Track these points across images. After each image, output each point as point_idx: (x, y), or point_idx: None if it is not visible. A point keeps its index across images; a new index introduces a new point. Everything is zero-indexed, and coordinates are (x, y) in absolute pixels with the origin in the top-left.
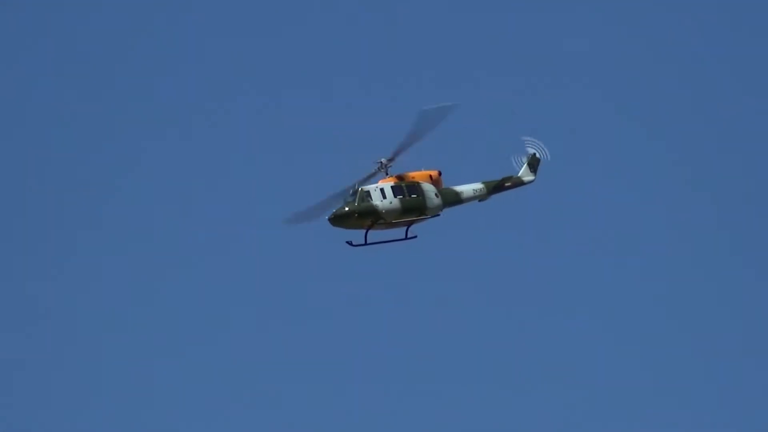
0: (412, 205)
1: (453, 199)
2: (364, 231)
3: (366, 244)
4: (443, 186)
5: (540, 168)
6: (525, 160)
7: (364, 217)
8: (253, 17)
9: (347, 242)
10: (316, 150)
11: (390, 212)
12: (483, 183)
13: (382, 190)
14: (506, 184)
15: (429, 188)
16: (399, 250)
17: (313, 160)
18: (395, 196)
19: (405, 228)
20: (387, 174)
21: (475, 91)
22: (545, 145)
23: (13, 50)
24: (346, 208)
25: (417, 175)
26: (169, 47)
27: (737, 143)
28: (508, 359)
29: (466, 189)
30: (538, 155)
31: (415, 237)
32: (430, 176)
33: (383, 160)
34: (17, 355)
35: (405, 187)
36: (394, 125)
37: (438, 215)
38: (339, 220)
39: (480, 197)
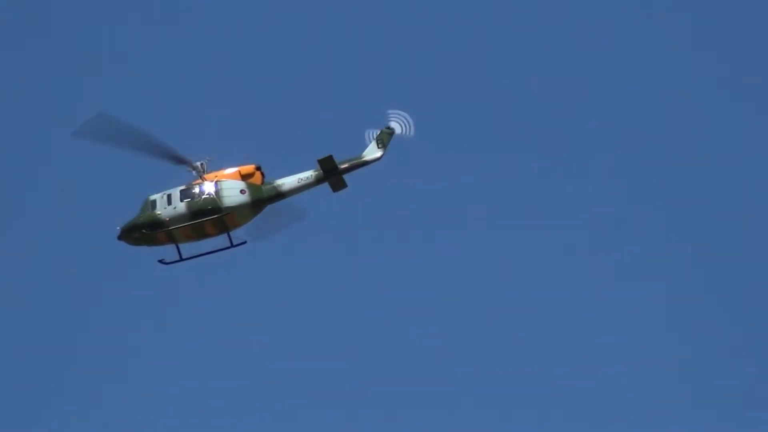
0: (201, 207)
1: (271, 194)
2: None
3: (182, 259)
4: (264, 182)
5: (392, 143)
6: (375, 134)
7: (151, 228)
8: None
9: (159, 261)
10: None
11: (176, 219)
12: (314, 170)
13: (169, 195)
14: (342, 167)
15: (230, 185)
16: (224, 260)
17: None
18: (182, 200)
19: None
20: (201, 177)
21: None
22: (411, 122)
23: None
24: (130, 222)
25: (224, 173)
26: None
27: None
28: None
29: (289, 180)
30: (392, 128)
31: (244, 242)
32: (240, 173)
33: (203, 161)
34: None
35: (197, 188)
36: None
37: (252, 214)
38: (125, 236)
39: (308, 185)
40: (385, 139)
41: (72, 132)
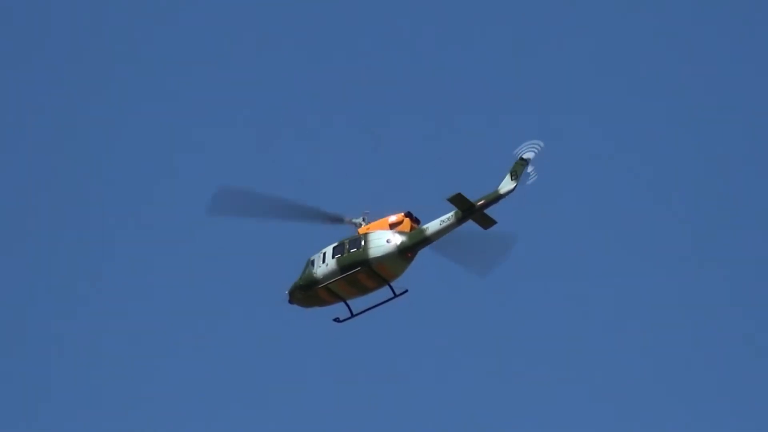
0: (349, 262)
1: (417, 239)
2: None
3: (352, 315)
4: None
5: (525, 172)
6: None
7: (309, 288)
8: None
9: (334, 320)
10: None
11: (328, 275)
12: (453, 211)
13: (324, 253)
14: (479, 203)
15: (377, 236)
16: (388, 312)
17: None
18: (333, 256)
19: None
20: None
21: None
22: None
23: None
24: (293, 285)
25: (374, 224)
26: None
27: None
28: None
29: (433, 223)
30: (526, 159)
31: (405, 291)
32: (388, 222)
33: (363, 214)
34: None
35: (348, 243)
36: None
37: (402, 262)
38: (292, 298)
39: (450, 226)
40: (519, 170)
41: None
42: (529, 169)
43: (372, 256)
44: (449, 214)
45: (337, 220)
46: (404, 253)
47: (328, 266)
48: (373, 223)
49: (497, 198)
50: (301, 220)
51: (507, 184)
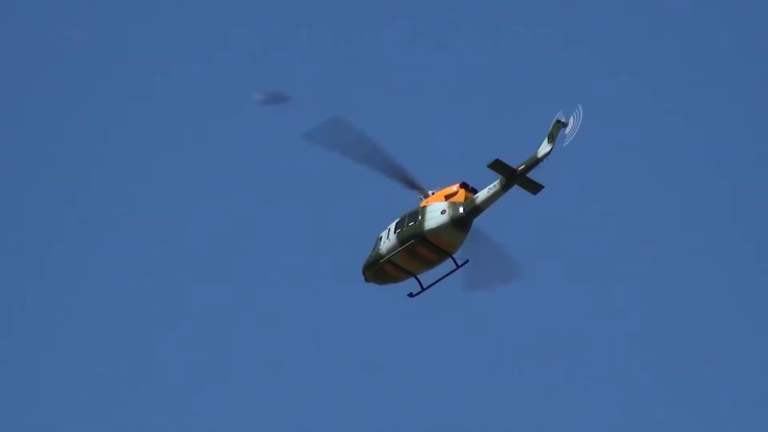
0: (407, 235)
1: (468, 209)
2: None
3: (423, 289)
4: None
5: (561, 134)
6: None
7: (376, 264)
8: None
9: (408, 294)
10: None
11: (391, 250)
12: (498, 179)
13: (389, 229)
14: (520, 168)
15: (432, 208)
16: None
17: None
18: (395, 231)
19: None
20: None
21: None
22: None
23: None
24: (365, 263)
25: (433, 196)
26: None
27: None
28: None
29: (482, 192)
30: (562, 121)
31: (467, 262)
32: (443, 194)
33: (435, 189)
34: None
35: (407, 217)
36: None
37: (458, 232)
38: (367, 276)
39: (497, 193)
40: (555, 132)
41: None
42: (567, 131)
43: (427, 228)
44: (495, 182)
45: (416, 187)
46: (458, 224)
47: (390, 241)
48: (432, 196)
49: (536, 161)
50: (387, 174)
51: (544, 147)
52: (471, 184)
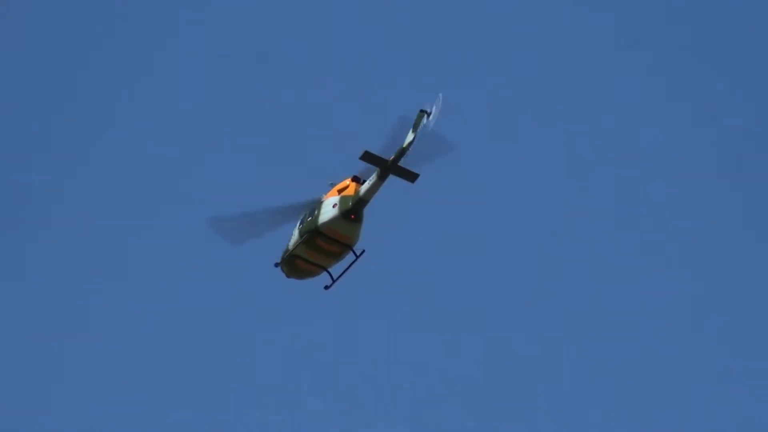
0: (306, 230)
1: (354, 201)
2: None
3: (334, 280)
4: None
5: (423, 123)
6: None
7: (288, 260)
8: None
9: (324, 287)
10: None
11: (295, 245)
12: (375, 170)
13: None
14: (391, 159)
15: (326, 202)
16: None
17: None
18: (298, 226)
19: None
20: None
21: None
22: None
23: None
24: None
25: (330, 192)
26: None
27: None
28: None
29: (363, 185)
30: (425, 111)
31: (363, 252)
32: (338, 189)
33: (330, 183)
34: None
35: (307, 213)
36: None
37: (350, 225)
38: (283, 271)
39: (376, 184)
40: (418, 122)
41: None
42: (430, 119)
43: (320, 222)
44: (373, 174)
45: (315, 202)
46: (348, 216)
47: (294, 236)
48: (330, 190)
49: (403, 151)
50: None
51: (409, 137)
52: (363, 177)
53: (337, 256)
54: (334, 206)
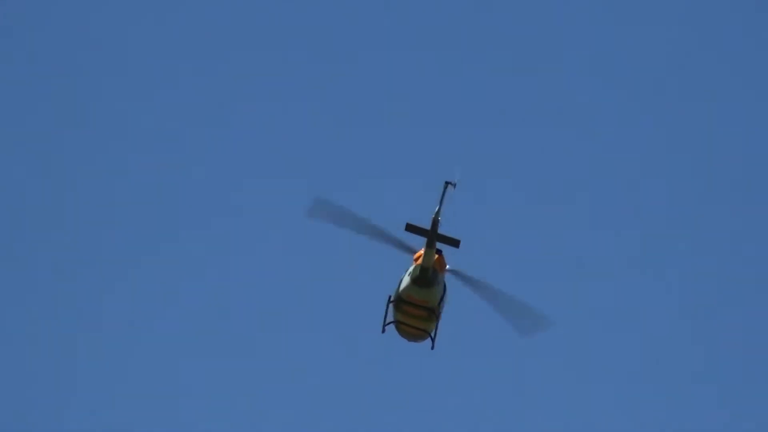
0: (395, 297)
1: (421, 268)
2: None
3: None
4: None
5: (446, 194)
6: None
7: (395, 324)
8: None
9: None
10: None
11: (393, 312)
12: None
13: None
14: (430, 230)
15: (408, 271)
16: None
17: None
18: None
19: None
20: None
21: None
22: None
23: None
24: None
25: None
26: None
27: None
28: None
29: (422, 254)
30: (451, 181)
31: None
32: (415, 257)
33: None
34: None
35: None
36: None
37: (423, 290)
38: (400, 333)
39: (428, 252)
40: (443, 192)
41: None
42: (451, 189)
43: (401, 290)
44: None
45: (409, 250)
46: (418, 282)
47: (392, 305)
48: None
49: (435, 221)
50: (381, 242)
51: (436, 209)
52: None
53: (425, 318)
54: (408, 274)
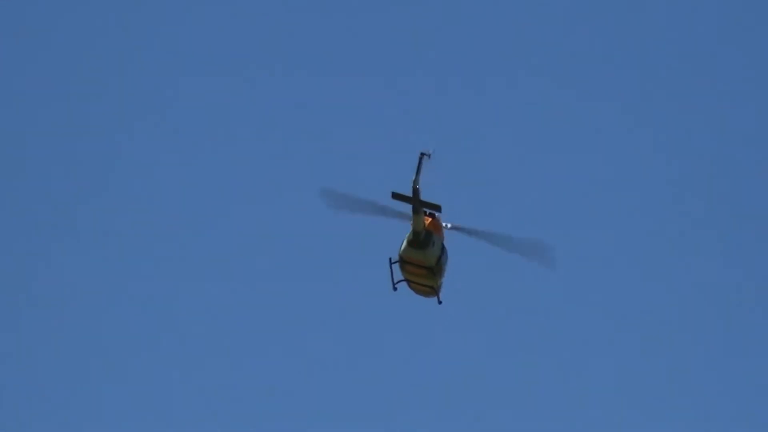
0: (396, 259)
1: (415, 232)
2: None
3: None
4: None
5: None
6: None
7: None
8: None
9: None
10: None
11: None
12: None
13: None
14: (412, 198)
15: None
16: None
17: None
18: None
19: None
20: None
21: None
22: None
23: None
24: None
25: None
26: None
27: None
28: None
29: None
30: (425, 152)
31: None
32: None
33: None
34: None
35: None
36: None
37: (417, 252)
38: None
39: (416, 219)
40: (419, 163)
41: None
42: (426, 159)
43: (401, 251)
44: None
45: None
46: (413, 244)
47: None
48: None
49: (414, 190)
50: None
51: (415, 177)
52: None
53: (426, 276)
54: (405, 238)
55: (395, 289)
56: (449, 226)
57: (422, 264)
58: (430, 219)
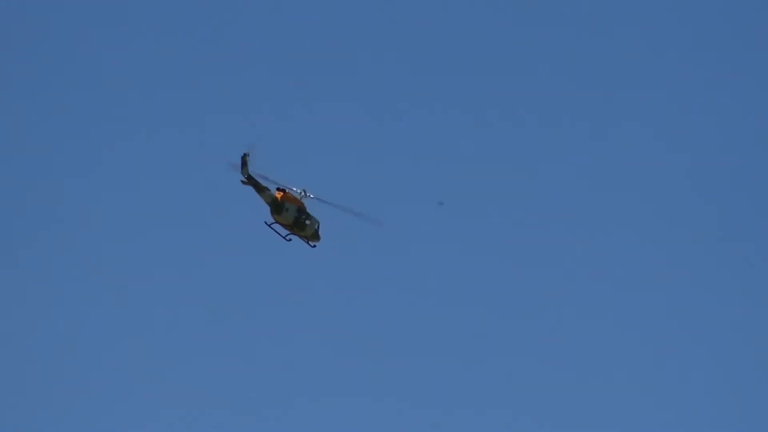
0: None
1: (267, 202)
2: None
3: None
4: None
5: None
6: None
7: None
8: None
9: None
10: None
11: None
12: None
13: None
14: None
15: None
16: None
17: None
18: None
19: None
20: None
21: None
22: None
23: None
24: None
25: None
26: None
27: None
28: None
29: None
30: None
31: (290, 240)
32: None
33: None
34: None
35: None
36: None
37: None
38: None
39: (256, 189)
40: (243, 163)
41: None
42: (248, 158)
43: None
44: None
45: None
46: (272, 210)
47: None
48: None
49: (243, 182)
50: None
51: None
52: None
53: (294, 230)
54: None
55: (289, 239)
56: (311, 196)
57: (284, 223)
58: (281, 193)
